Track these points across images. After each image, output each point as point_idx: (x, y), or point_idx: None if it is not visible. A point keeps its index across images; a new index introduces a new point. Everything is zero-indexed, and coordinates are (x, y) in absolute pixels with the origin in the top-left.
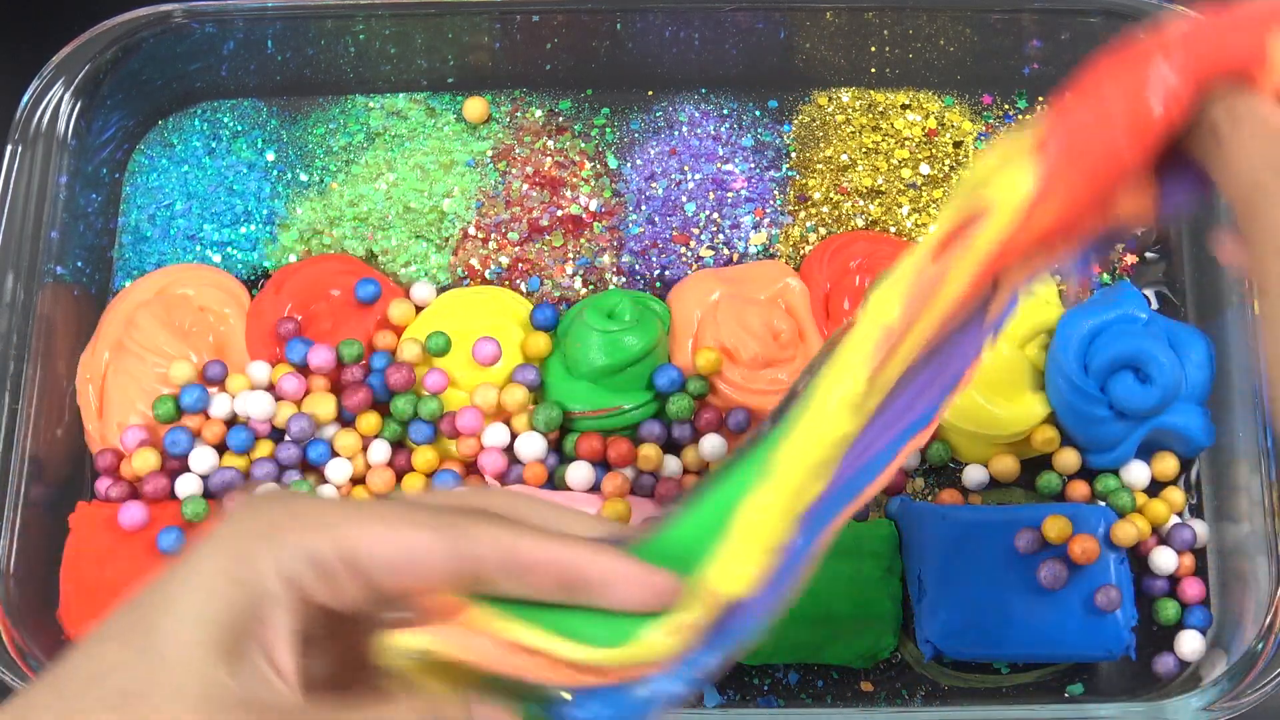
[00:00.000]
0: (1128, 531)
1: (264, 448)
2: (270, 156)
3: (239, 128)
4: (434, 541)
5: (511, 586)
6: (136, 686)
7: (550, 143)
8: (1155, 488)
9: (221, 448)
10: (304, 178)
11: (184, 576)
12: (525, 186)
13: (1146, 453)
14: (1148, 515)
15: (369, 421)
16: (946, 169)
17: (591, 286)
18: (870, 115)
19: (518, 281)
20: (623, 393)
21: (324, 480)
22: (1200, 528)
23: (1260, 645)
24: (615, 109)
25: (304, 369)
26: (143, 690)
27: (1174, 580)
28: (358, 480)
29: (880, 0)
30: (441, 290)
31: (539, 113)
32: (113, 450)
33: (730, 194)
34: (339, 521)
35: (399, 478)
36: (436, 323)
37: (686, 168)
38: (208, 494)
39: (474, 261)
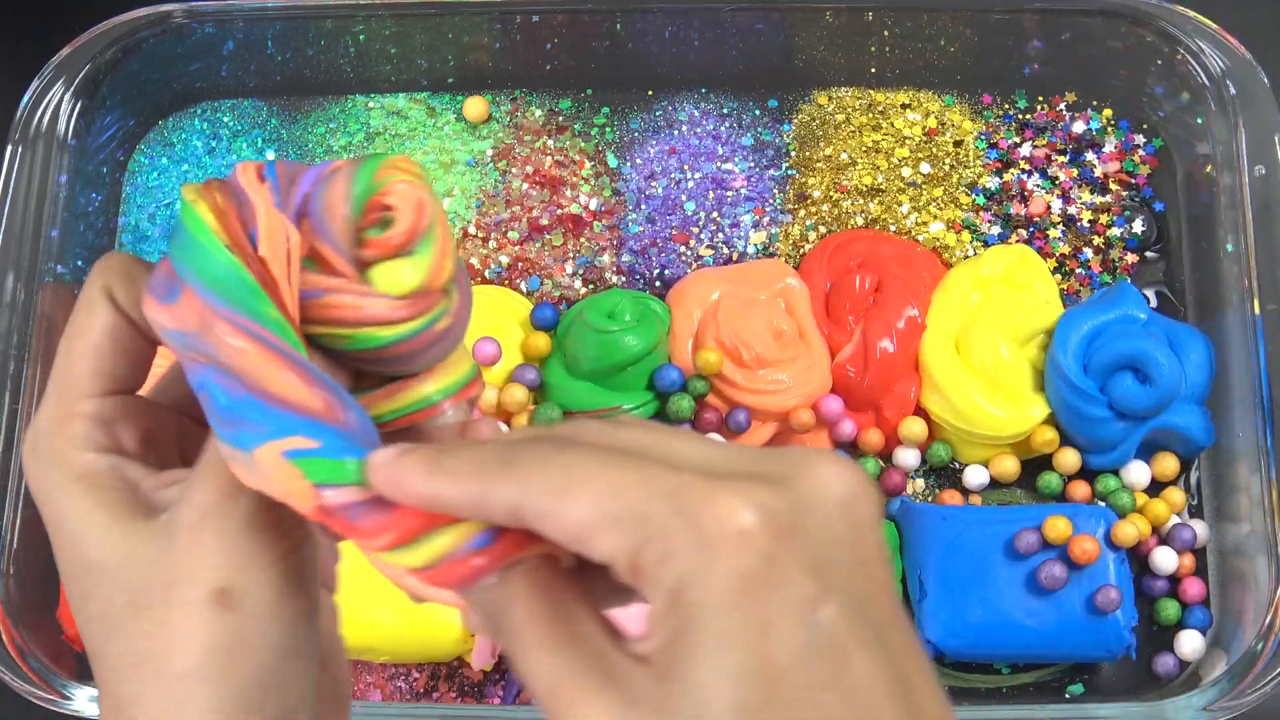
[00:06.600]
0: (1128, 532)
1: None
2: (270, 156)
3: (239, 128)
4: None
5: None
6: None
7: (550, 142)
8: (1155, 488)
9: None
10: None
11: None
12: (525, 186)
13: (1147, 453)
14: (1148, 515)
15: None
16: (946, 168)
17: (591, 286)
18: (870, 114)
19: (518, 281)
20: (623, 393)
21: None
22: (1200, 528)
23: (1260, 645)
24: (615, 108)
25: None
26: None
27: (1174, 580)
28: None
29: (880, 0)
30: None
31: (539, 112)
32: None
33: (730, 193)
34: None
35: None
36: None
37: (686, 167)
38: None
39: (474, 261)
